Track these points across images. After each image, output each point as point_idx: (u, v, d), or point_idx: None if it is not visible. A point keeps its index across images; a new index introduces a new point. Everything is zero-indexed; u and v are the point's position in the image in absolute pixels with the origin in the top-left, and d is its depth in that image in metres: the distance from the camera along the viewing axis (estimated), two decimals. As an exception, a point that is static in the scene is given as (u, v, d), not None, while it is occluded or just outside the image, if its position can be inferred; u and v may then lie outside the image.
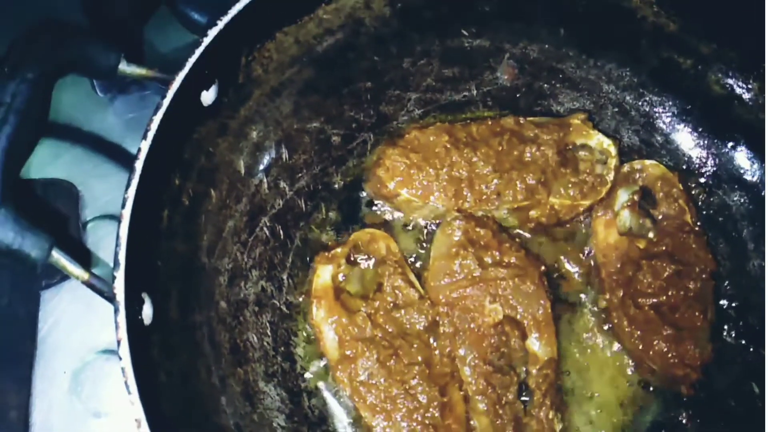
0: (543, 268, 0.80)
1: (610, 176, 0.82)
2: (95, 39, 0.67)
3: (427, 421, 0.73)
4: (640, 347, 0.77)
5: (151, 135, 0.64)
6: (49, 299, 0.86)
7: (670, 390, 0.78)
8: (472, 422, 0.76)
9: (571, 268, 0.83)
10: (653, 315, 0.77)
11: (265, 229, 0.81)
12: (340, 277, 0.80)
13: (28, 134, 0.61)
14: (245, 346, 0.77)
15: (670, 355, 0.75)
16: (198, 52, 0.67)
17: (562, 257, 0.83)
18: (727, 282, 0.82)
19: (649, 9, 0.80)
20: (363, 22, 0.81)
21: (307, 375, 0.79)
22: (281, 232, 0.82)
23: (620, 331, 0.78)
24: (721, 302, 0.81)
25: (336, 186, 0.85)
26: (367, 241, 0.81)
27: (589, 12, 0.82)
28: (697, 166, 0.86)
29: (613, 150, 0.83)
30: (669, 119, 0.87)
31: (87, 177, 0.92)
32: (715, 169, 0.85)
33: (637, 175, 0.84)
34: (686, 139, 0.86)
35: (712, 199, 0.85)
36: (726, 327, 0.81)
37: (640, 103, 0.87)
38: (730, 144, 0.84)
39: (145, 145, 0.64)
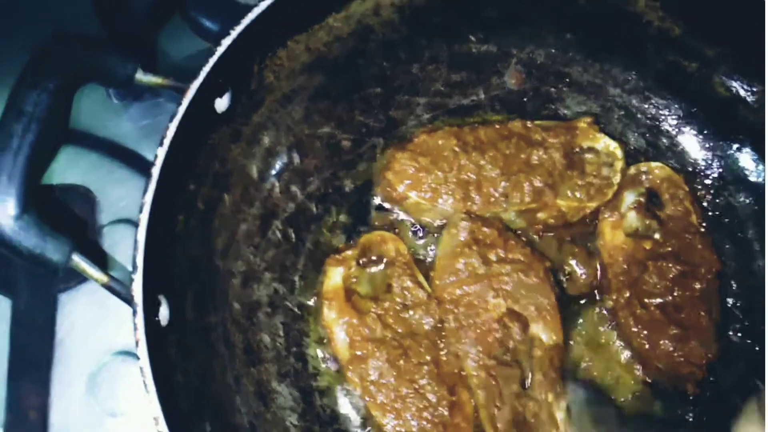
0: (548, 263, 0.81)
1: (617, 178, 0.83)
2: (113, 49, 0.68)
3: (436, 420, 0.75)
4: (647, 346, 0.78)
5: (167, 142, 0.66)
6: (66, 302, 0.88)
7: (676, 388, 0.79)
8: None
9: (578, 268, 0.83)
10: (659, 315, 0.78)
11: (277, 232, 0.83)
12: (351, 280, 0.81)
13: (49, 143, 0.63)
14: (258, 347, 0.79)
15: (676, 354, 0.76)
16: (212, 61, 0.69)
17: (569, 258, 0.84)
18: (732, 282, 0.83)
19: (654, 13, 0.81)
20: (372, 29, 0.82)
21: (320, 376, 0.80)
22: (293, 235, 0.84)
23: (627, 331, 0.79)
24: (727, 302, 0.82)
25: (346, 189, 0.87)
26: (376, 243, 0.83)
27: (595, 17, 0.83)
28: (702, 167, 0.87)
29: (619, 153, 0.84)
30: (675, 122, 0.87)
31: (103, 182, 0.93)
32: (720, 170, 0.86)
33: (643, 177, 0.85)
34: (692, 142, 0.87)
35: (717, 201, 0.86)
36: (731, 326, 0.81)
37: (645, 106, 0.88)
38: (735, 146, 0.85)
39: (161, 152, 0.66)
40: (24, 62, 0.66)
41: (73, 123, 0.96)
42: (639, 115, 0.88)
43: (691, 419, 0.79)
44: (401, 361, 0.76)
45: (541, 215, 0.83)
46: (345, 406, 0.79)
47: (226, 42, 0.70)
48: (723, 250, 0.84)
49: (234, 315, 0.78)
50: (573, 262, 0.83)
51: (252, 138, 0.80)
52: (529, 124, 0.84)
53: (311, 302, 0.83)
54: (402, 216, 0.85)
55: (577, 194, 0.82)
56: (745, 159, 0.85)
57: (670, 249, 0.80)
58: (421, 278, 0.81)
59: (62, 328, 0.87)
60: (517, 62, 0.88)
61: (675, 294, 0.78)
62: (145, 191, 0.65)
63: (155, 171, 0.65)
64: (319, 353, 0.81)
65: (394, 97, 0.88)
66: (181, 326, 0.69)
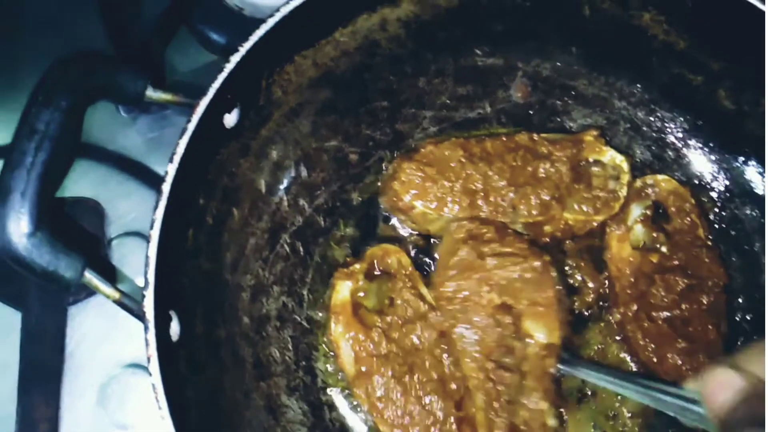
0: (547, 257, 0.79)
1: (623, 192, 0.83)
2: (123, 67, 0.69)
3: (445, 435, 0.75)
4: (654, 360, 0.78)
5: (177, 158, 0.67)
6: (76, 315, 0.88)
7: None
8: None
9: (585, 282, 0.84)
10: (667, 328, 0.78)
11: (285, 245, 0.84)
12: (359, 294, 0.82)
13: (61, 160, 0.64)
14: (268, 361, 0.79)
15: (683, 367, 0.77)
16: (221, 77, 0.70)
17: (576, 271, 0.84)
18: (740, 295, 0.83)
19: (659, 27, 0.81)
20: (379, 44, 0.83)
21: (329, 390, 0.81)
22: (301, 248, 0.84)
23: (634, 344, 0.80)
24: (735, 315, 0.82)
25: (354, 202, 0.87)
26: (381, 256, 0.83)
27: (600, 30, 0.83)
28: (708, 180, 0.87)
29: (625, 166, 0.84)
30: (680, 135, 0.88)
31: (112, 195, 0.94)
32: (726, 183, 0.86)
33: (650, 190, 0.85)
34: (698, 154, 0.87)
35: (724, 213, 0.86)
36: (739, 340, 0.82)
37: (651, 119, 0.88)
38: (741, 159, 0.85)
39: (171, 168, 0.66)
40: (36, 80, 0.67)
41: (83, 137, 0.98)
42: (645, 128, 0.88)
43: (698, 432, 0.79)
44: (406, 378, 0.76)
45: (547, 228, 0.83)
46: (353, 420, 0.80)
47: (235, 59, 0.70)
48: (730, 263, 0.84)
49: (243, 329, 0.78)
50: (580, 276, 0.84)
51: (260, 152, 0.81)
52: (535, 136, 0.85)
53: (320, 316, 0.83)
54: (409, 228, 0.86)
55: (584, 207, 0.82)
56: (751, 171, 0.85)
57: (677, 262, 0.81)
58: (423, 290, 0.81)
59: (72, 340, 0.88)
60: (523, 75, 0.89)
61: (682, 307, 0.78)
62: (155, 207, 0.65)
63: (165, 187, 0.66)
64: (328, 367, 0.81)
65: (401, 111, 0.88)
66: (192, 341, 0.69)
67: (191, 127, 0.68)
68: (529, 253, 0.79)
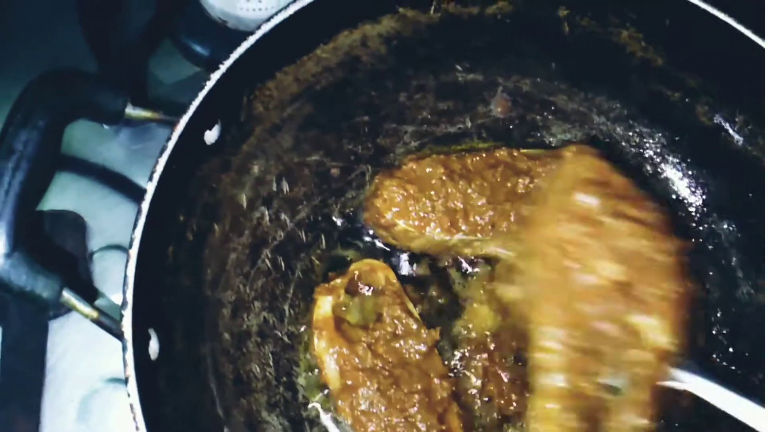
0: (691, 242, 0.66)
1: (602, 207, 0.84)
2: (102, 85, 0.69)
3: (426, 449, 0.75)
4: (632, 374, 0.78)
5: (156, 176, 0.67)
6: (58, 329, 0.88)
7: (663, 414, 0.79)
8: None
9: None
10: (644, 343, 0.78)
11: (266, 260, 0.84)
12: (341, 308, 0.82)
13: (39, 179, 0.64)
14: (248, 377, 0.79)
15: (661, 381, 0.77)
16: (201, 95, 0.70)
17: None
18: (717, 309, 0.84)
19: (637, 44, 0.82)
20: (360, 60, 0.83)
21: (310, 405, 0.81)
22: (282, 263, 0.85)
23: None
24: (712, 329, 0.83)
25: (335, 217, 0.87)
26: (366, 272, 0.83)
27: (579, 47, 0.84)
28: (686, 195, 0.88)
29: (603, 181, 0.85)
30: (658, 150, 0.89)
31: (93, 208, 0.94)
32: (704, 198, 0.87)
33: (629, 204, 0.86)
34: (675, 170, 0.88)
35: (701, 228, 0.87)
36: (716, 354, 0.83)
37: (630, 134, 0.89)
38: (718, 174, 0.86)
39: (151, 187, 0.66)
40: (16, 92, 0.67)
41: (64, 149, 0.96)
42: (623, 143, 0.89)
43: (676, 446, 0.80)
44: (392, 391, 0.77)
45: (527, 243, 0.84)
46: (335, 435, 0.80)
47: (215, 76, 0.71)
48: (707, 278, 0.85)
49: (224, 345, 0.78)
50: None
51: (241, 167, 0.81)
52: (515, 152, 0.85)
53: (301, 331, 0.83)
54: (392, 244, 0.86)
55: (563, 222, 0.83)
56: (728, 187, 0.86)
57: (654, 276, 0.81)
58: (411, 307, 0.82)
59: (53, 355, 0.87)
60: (503, 91, 0.89)
61: (660, 321, 0.79)
62: (134, 226, 0.65)
63: (145, 206, 0.66)
64: (310, 382, 0.82)
65: (382, 126, 0.89)
66: (171, 358, 0.69)
67: (171, 144, 0.68)
68: (667, 232, 0.63)
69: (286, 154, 0.85)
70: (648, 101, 0.86)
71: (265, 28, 0.72)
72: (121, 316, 0.62)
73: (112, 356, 0.87)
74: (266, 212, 0.84)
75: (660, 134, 0.88)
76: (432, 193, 0.83)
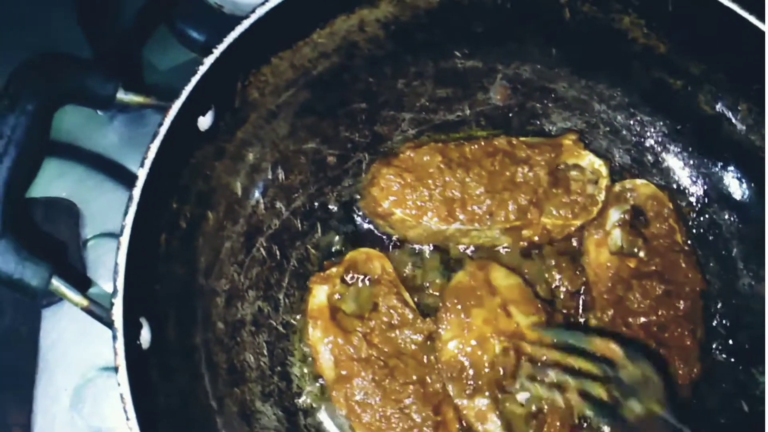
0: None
1: (602, 196, 0.83)
2: (93, 69, 0.68)
3: (421, 440, 0.75)
4: (631, 366, 0.78)
5: (148, 163, 0.66)
6: (50, 317, 0.87)
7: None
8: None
9: (562, 286, 0.84)
10: (643, 334, 0.78)
11: (261, 249, 0.83)
12: (336, 297, 0.81)
13: (28, 165, 0.62)
14: (242, 367, 0.78)
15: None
16: (194, 80, 0.68)
17: (554, 275, 0.84)
18: (717, 301, 0.83)
19: (639, 31, 0.81)
20: (357, 45, 0.82)
21: (303, 395, 0.80)
22: (277, 252, 0.83)
23: (611, 350, 0.79)
24: (712, 321, 0.82)
25: (331, 206, 0.86)
26: (362, 261, 0.82)
27: (580, 33, 0.82)
28: (687, 185, 0.87)
29: (604, 170, 0.84)
30: (660, 139, 0.87)
31: (87, 195, 0.92)
32: (705, 188, 0.86)
33: (628, 195, 0.85)
34: (677, 159, 0.87)
35: (702, 219, 0.86)
36: (716, 346, 0.82)
37: (631, 123, 0.88)
38: (720, 163, 0.85)
39: (142, 173, 0.65)
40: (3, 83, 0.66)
41: (58, 135, 0.96)
42: (624, 132, 0.88)
43: (675, 440, 0.79)
44: (387, 381, 0.76)
45: (526, 233, 0.83)
46: (329, 426, 0.79)
47: (209, 60, 0.69)
48: (707, 269, 0.84)
49: (217, 335, 0.77)
50: (558, 280, 0.84)
51: (236, 155, 0.80)
52: (514, 140, 0.84)
53: (296, 320, 0.82)
54: (388, 233, 0.85)
55: (562, 212, 0.82)
56: (730, 177, 0.85)
57: (654, 268, 0.81)
58: (407, 296, 0.81)
59: (46, 343, 0.87)
60: (503, 78, 0.88)
61: (659, 313, 0.78)
62: (125, 213, 0.64)
63: (136, 192, 0.65)
64: (304, 372, 0.81)
65: (380, 113, 0.87)
66: (163, 348, 0.68)
67: (163, 130, 0.67)
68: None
69: (281, 141, 0.83)
70: (650, 89, 0.85)
71: (260, 11, 0.71)
72: (112, 304, 0.61)
73: (106, 345, 0.83)
74: (261, 200, 0.83)
75: (661, 123, 0.87)
76: (429, 181, 0.82)
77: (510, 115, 0.89)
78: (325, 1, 0.76)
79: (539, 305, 0.80)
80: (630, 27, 0.81)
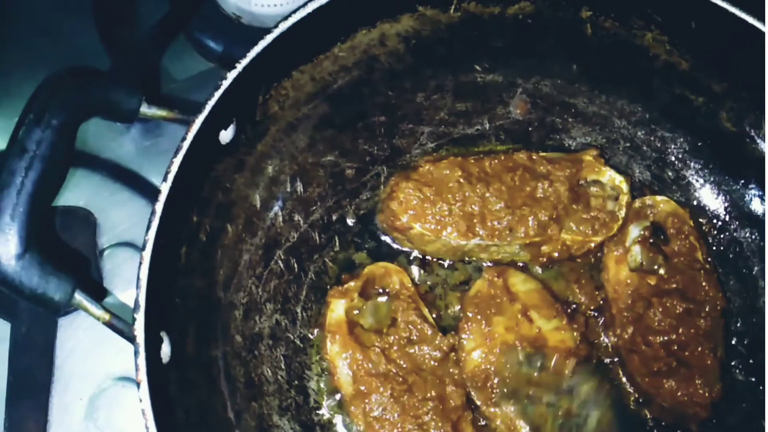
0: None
1: (622, 213, 0.83)
2: (117, 84, 0.68)
3: (439, 457, 0.74)
4: (650, 384, 0.77)
5: (171, 177, 0.65)
6: (66, 326, 0.87)
7: (681, 428, 0.78)
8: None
9: (582, 303, 0.83)
10: (663, 353, 0.77)
11: (279, 262, 0.83)
12: (354, 312, 0.81)
13: (52, 179, 0.62)
14: (260, 380, 0.78)
15: (679, 393, 0.76)
16: (217, 94, 0.68)
17: (574, 293, 0.83)
18: (737, 319, 0.82)
19: (662, 47, 0.81)
20: (377, 59, 0.82)
21: (321, 409, 0.80)
22: (295, 265, 0.83)
23: (630, 368, 0.79)
24: (732, 339, 0.82)
25: (350, 219, 0.86)
26: (380, 276, 0.82)
27: (602, 49, 0.82)
28: (708, 202, 0.86)
29: (624, 187, 0.83)
30: (681, 155, 0.87)
31: (104, 204, 0.92)
32: (726, 205, 0.86)
33: (649, 211, 0.84)
34: (697, 176, 0.87)
35: (722, 236, 0.85)
36: (736, 364, 0.81)
37: (651, 139, 0.87)
38: (741, 181, 0.85)
39: (165, 187, 0.65)
40: (29, 88, 0.65)
41: (75, 143, 0.97)
42: (644, 148, 0.88)
43: (695, 460, 0.78)
44: (405, 397, 0.76)
45: (545, 248, 0.82)
46: (347, 440, 0.79)
47: (232, 75, 0.69)
48: (728, 287, 0.83)
49: (235, 348, 0.77)
50: (577, 297, 0.83)
51: (256, 167, 0.80)
52: (534, 155, 0.84)
53: (314, 334, 0.82)
54: (406, 247, 0.85)
55: (582, 228, 0.82)
56: (751, 194, 0.84)
57: (675, 285, 0.80)
58: (426, 312, 0.80)
59: (62, 352, 0.87)
60: (523, 92, 0.88)
61: (679, 332, 0.78)
62: (148, 227, 0.64)
63: (159, 207, 0.64)
64: (322, 387, 0.80)
65: (399, 126, 0.87)
66: (183, 361, 0.68)
67: (186, 144, 0.67)
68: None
69: (300, 154, 0.83)
70: (671, 105, 0.85)
71: (283, 26, 0.71)
72: (134, 319, 0.61)
73: (121, 354, 0.86)
74: (280, 213, 0.83)
75: (682, 139, 0.86)
76: (449, 196, 0.81)
77: (530, 129, 0.89)
78: (346, 15, 0.76)
79: (559, 308, 0.79)
80: (652, 43, 0.81)
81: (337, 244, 0.85)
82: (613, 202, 0.83)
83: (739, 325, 0.82)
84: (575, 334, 0.78)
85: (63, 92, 0.63)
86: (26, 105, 0.62)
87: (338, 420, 0.79)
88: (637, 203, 0.85)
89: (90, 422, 0.84)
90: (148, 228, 0.64)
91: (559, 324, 0.78)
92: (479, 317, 0.79)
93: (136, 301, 0.61)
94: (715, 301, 0.80)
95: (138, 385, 0.60)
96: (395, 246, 0.86)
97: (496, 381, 0.77)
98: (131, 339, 0.61)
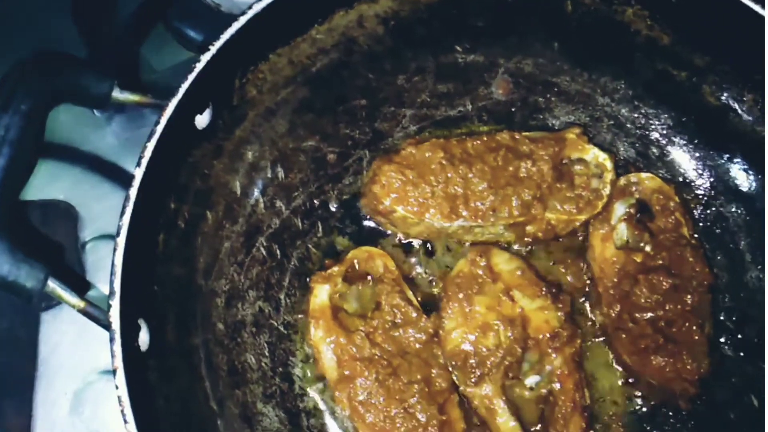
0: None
1: (606, 190, 0.82)
2: (88, 68, 0.67)
3: (426, 440, 0.73)
4: (638, 362, 0.77)
5: (144, 162, 0.65)
6: (50, 321, 0.87)
7: (669, 404, 0.78)
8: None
9: (568, 282, 0.82)
10: (650, 330, 0.76)
11: (261, 249, 0.82)
12: (338, 296, 0.80)
13: (22, 166, 0.62)
14: (243, 368, 0.77)
15: (667, 369, 0.75)
16: (191, 77, 0.68)
17: (559, 272, 0.83)
18: (725, 294, 0.82)
19: (643, 22, 0.80)
20: (356, 41, 0.81)
21: (306, 395, 0.79)
22: (278, 251, 0.82)
23: (618, 346, 0.78)
24: (720, 315, 0.81)
25: (332, 204, 0.85)
26: (364, 260, 0.81)
27: (583, 26, 0.82)
28: (693, 177, 0.86)
29: (608, 164, 0.82)
30: (664, 131, 0.86)
31: (85, 197, 0.92)
32: (711, 180, 0.85)
33: (634, 188, 0.83)
34: (682, 151, 0.86)
35: (708, 211, 0.85)
36: (724, 340, 0.80)
37: (635, 116, 0.87)
38: (726, 156, 0.84)
39: (139, 172, 0.65)
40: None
41: (54, 137, 0.95)
42: (628, 125, 0.87)
43: (684, 436, 0.78)
44: (390, 381, 0.75)
45: (530, 228, 0.81)
46: (332, 427, 0.78)
47: (206, 57, 0.69)
48: (715, 262, 0.83)
49: (218, 336, 0.76)
50: (564, 276, 0.82)
51: (234, 153, 0.79)
52: (516, 135, 0.83)
53: (297, 320, 0.81)
54: (390, 231, 0.84)
55: (566, 207, 0.81)
56: (736, 169, 0.84)
57: (661, 262, 0.79)
58: (410, 295, 0.80)
59: (45, 347, 0.86)
60: (505, 72, 0.87)
61: (666, 308, 0.77)
62: (122, 213, 0.63)
63: (132, 192, 0.64)
64: (306, 373, 0.80)
65: (380, 109, 0.86)
66: (162, 350, 0.67)
67: (159, 129, 0.66)
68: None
69: (281, 139, 0.82)
70: (654, 81, 0.84)
71: (257, 7, 0.70)
72: (109, 306, 0.61)
73: (105, 348, 0.83)
74: (261, 199, 0.82)
75: (666, 115, 0.86)
76: (431, 178, 0.80)
77: (512, 109, 0.88)
78: (322, -4, 0.76)
79: (544, 288, 0.79)
80: (633, 19, 0.80)
81: (320, 229, 0.85)
82: (598, 180, 0.82)
83: (726, 300, 0.82)
84: (559, 314, 0.77)
85: (31, 77, 0.62)
86: (-6, 91, 0.61)
87: (324, 406, 0.79)
88: (622, 180, 0.84)
89: (75, 416, 0.84)
90: (122, 214, 0.63)
91: (543, 304, 0.77)
92: (461, 296, 0.78)
93: (111, 288, 0.61)
94: (702, 276, 0.79)
95: (114, 372, 0.59)
96: (379, 230, 0.85)
97: (474, 361, 0.76)
98: (107, 326, 0.60)
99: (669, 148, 0.86)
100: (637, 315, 0.77)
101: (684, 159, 0.86)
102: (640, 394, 0.78)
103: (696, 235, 0.82)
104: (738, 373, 0.79)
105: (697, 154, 0.86)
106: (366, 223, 0.85)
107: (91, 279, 0.89)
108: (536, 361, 0.76)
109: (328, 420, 0.78)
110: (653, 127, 0.87)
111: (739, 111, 0.80)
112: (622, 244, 0.81)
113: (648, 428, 0.78)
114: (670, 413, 0.78)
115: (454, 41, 0.85)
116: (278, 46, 0.77)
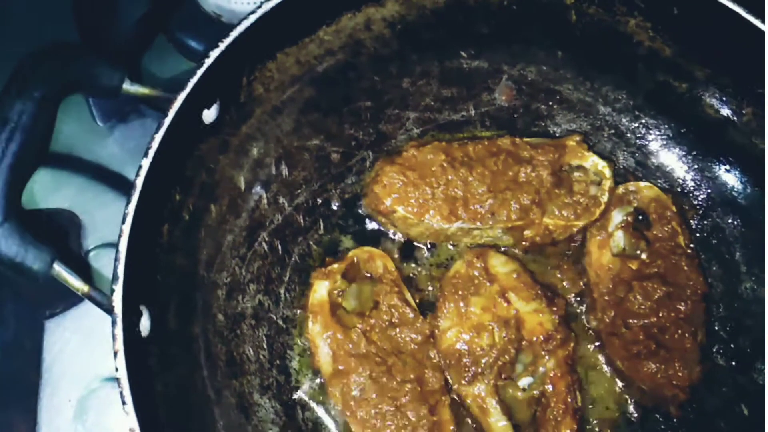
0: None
1: (605, 197, 0.83)
2: (100, 59, 0.69)
3: (416, 439, 0.74)
4: (630, 367, 0.77)
5: (152, 152, 0.66)
6: (54, 329, 0.87)
7: (660, 410, 0.78)
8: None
9: (564, 287, 0.83)
10: (643, 336, 0.77)
11: (263, 244, 0.83)
12: (337, 293, 0.81)
13: (33, 152, 0.63)
14: (241, 359, 0.78)
15: (659, 375, 0.76)
16: (200, 72, 0.69)
17: (557, 275, 0.84)
18: (719, 304, 0.82)
19: (645, 34, 0.81)
20: (363, 43, 0.83)
21: (302, 389, 0.80)
22: (279, 247, 0.84)
23: (610, 351, 0.79)
24: (713, 325, 0.82)
25: (334, 203, 0.87)
26: (364, 260, 0.82)
27: (586, 35, 0.83)
28: (691, 188, 0.87)
29: (607, 172, 0.84)
30: (664, 142, 0.87)
31: (89, 206, 0.92)
32: (709, 191, 0.86)
33: (632, 197, 0.85)
34: (681, 162, 0.87)
35: (705, 222, 0.85)
36: (717, 349, 0.81)
37: (635, 126, 0.88)
38: (724, 167, 0.85)
39: (146, 162, 0.66)
40: (10, 71, 0.66)
41: (58, 146, 0.95)
42: (628, 134, 0.88)
43: (673, 442, 0.78)
44: (384, 379, 0.76)
45: (528, 233, 0.82)
46: (326, 420, 0.79)
47: (215, 53, 0.70)
48: (710, 272, 0.83)
49: (217, 326, 0.77)
50: (559, 281, 0.83)
51: (240, 149, 0.80)
52: (517, 140, 0.84)
53: (296, 315, 0.82)
54: (390, 231, 0.85)
55: (564, 212, 0.82)
56: (734, 180, 0.85)
57: (656, 270, 0.80)
58: (408, 296, 0.81)
59: (49, 355, 0.86)
60: (508, 79, 0.88)
61: (659, 315, 0.78)
62: (128, 202, 0.65)
63: (139, 181, 0.65)
64: (303, 366, 0.81)
65: (384, 111, 0.88)
66: (163, 337, 0.68)
67: (168, 121, 0.67)
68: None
69: (286, 137, 0.84)
70: (655, 92, 0.85)
71: (267, 6, 0.72)
72: (112, 290, 0.62)
73: (110, 355, 0.84)
74: (264, 195, 0.84)
75: (666, 126, 0.87)
76: (432, 180, 0.82)
77: (515, 116, 0.89)
78: (331, -1, 0.77)
79: (539, 291, 0.79)
80: (635, 30, 0.81)
81: (322, 227, 0.86)
82: (596, 187, 0.83)
83: (721, 310, 0.82)
84: (554, 317, 0.78)
85: (45, 65, 0.64)
86: (9, 77, 0.63)
87: (319, 401, 0.80)
88: (621, 189, 0.85)
89: (79, 424, 0.84)
90: (128, 202, 0.64)
91: (538, 307, 0.78)
92: (457, 297, 0.79)
93: (115, 272, 0.62)
94: (696, 286, 0.80)
95: (115, 354, 0.60)
96: (380, 230, 0.86)
97: (468, 360, 0.77)
98: (110, 310, 0.62)
99: (668, 158, 0.87)
100: (630, 321, 0.78)
101: (682, 169, 0.87)
102: (632, 399, 0.79)
103: (692, 245, 0.83)
104: (730, 383, 0.80)
105: (696, 165, 0.87)
106: (367, 222, 0.86)
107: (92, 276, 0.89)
108: (529, 363, 0.77)
109: (322, 414, 0.79)
110: (653, 137, 0.88)
111: (738, 124, 0.81)
112: (618, 251, 0.82)
113: (638, 433, 0.79)
114: (661, 419, 0.79)
115: (459, 47, 0.87)
116: (286, 46, 0.78)
